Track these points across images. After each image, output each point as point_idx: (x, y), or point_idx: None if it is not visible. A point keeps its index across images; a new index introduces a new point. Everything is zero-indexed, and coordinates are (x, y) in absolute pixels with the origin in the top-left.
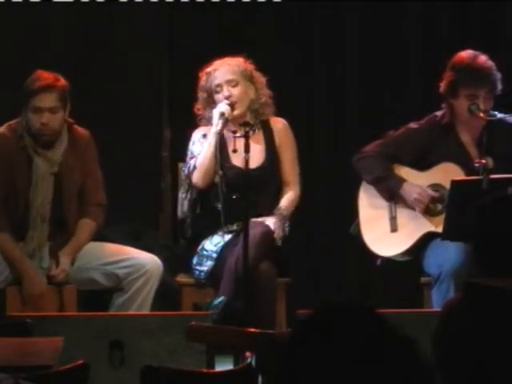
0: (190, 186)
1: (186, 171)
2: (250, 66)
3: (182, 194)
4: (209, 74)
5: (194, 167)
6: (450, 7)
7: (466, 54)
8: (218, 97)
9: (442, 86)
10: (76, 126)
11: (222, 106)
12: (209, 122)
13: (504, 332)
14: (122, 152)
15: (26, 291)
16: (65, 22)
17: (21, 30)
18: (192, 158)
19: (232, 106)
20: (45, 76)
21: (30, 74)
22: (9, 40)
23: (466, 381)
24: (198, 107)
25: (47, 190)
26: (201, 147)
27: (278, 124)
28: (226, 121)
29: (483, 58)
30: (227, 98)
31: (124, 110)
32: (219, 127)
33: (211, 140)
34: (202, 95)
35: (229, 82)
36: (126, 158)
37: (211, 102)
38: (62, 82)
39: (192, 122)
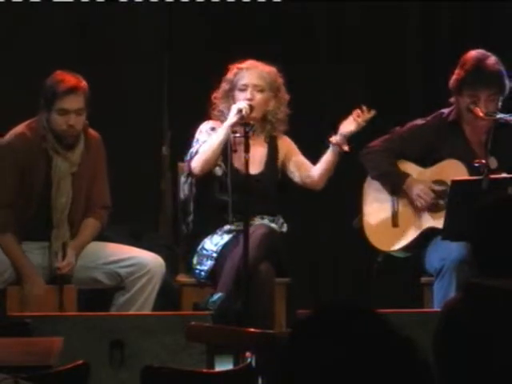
0: (189, 171)
1: (189, 156)
2: (280, 80)
3: (183, 178)
4: (240, 69)
5: (196, 152)
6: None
7: (475, 53)
8: (239, 94)
9: (451, 81)
10: (89, 128)
11: (242, 104)
12: (220, 116)
13: (504, 332)
14: (122, 152)
15: (25, 291)
16: (65, 22)
17: (21, 30)
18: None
19: (251, 108)
20: (68, 77)
21: (49, 76)
22: (8, 40)
23: (466, 381)
24: (216, 95)
25: (68, 190)
26: (207, 137)
27: (284, 142)
28: (242, 118)
29: (492, 61)
30: (248, 100)
31: (124, 110)
32: (234, 120)
33: (221, 131)
34: (224, 86)
35: (255, 86)
36: (126, 158)
37: (229, 96)
38: (84, 83)
39: (192, 123)
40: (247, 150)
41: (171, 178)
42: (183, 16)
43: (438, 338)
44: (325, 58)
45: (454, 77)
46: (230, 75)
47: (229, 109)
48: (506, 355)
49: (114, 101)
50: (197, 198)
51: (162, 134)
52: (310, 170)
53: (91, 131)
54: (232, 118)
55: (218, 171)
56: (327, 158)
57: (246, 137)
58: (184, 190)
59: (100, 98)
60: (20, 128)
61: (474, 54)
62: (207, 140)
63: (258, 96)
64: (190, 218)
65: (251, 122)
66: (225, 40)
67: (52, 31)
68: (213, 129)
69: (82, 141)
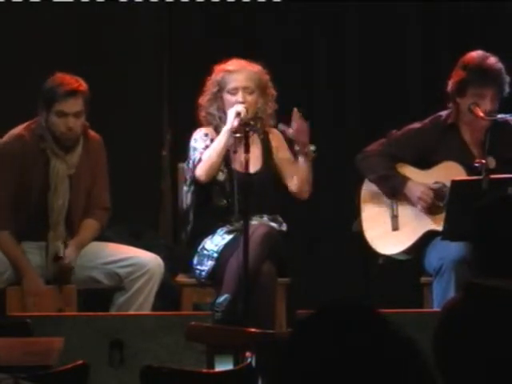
0: (193, 179)
1: (191, 165)
2: (266, 77)
3: (185, 188)
4: (229, 72)
5: (200, 160)
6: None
7: (476, 54)
8: (229, 98)
9: (450, 84)
10: (89, 130)
11: (240, 107)
12: (210, 118)
13: (504, 332)
14: (122, 152)
15: (25, 290)
16: (65, 22)
17: (21, 30)
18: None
19: (246, 110)
20: (68, 80)
21: (49, 77)
22: (9, 40)
23: (466, 381)
24: (203, 98)
25: (65, 192)
26: (203, 144)
27: (274, 135)
28: (241, 121)
29: (493, 60)
30: (241, 103)
31: (124, 110)
32: (235, 124)
33: (223, 137)
34: (211, 88)
35: (246, 88)
36: (126, 157)
37: (218, 98)
38: (84, 85)
39: (192, 122)
40: (247, 150)
41: (171, 178)
42: (183, 16)
43: (438, 338)
44: (324, 59)
45: (455, 78)
46: (216, 77)
47: (218, 110)
48: (506, 355)
49: (113, 101)
50: (196, 206)
51: (162, 133)
52: (291, 178)
53: (92, 133)
54: (231, 121)
55: (221, 176)
56: (300, 164)
57: (246, 137)
58: (187, 199)
59: (100, 98)
60: (17, 130)
61: (474, 54)
62: (209, 146)
63: (249, 98)
64: (190, 226)
65: (251, 122)
66: (225, 40)
67: (52, 31)
68: (206, 135)
69: (80, 143)
